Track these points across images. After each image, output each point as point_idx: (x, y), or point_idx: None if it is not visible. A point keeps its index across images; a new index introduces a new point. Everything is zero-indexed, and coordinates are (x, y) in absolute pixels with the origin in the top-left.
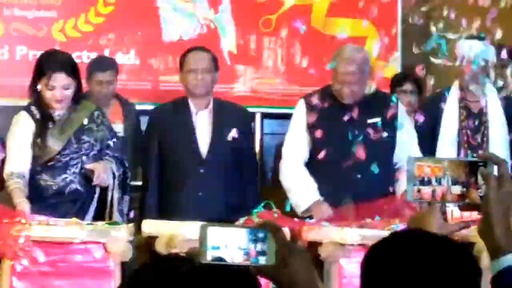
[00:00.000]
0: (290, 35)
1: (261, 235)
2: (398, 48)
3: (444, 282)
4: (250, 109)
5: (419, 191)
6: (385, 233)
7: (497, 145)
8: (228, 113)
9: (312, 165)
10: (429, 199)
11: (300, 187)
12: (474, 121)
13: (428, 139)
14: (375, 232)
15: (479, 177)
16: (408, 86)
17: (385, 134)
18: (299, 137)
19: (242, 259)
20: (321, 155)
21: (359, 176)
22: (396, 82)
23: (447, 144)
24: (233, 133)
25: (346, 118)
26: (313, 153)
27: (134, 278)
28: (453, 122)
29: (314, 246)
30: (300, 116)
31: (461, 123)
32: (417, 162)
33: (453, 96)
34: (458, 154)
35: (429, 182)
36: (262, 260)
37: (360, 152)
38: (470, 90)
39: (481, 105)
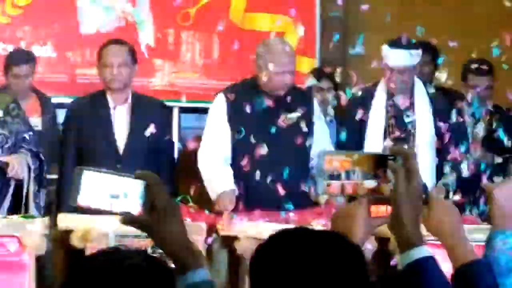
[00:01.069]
0: (209, 29)
1: (138, 186)
2: (316, 44)
3: (329, 277)
4: (168, 103)
5: (328, 185)
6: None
7: (424, 140)
8: (146, 108)
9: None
10: (337, 194)
11: (213, 178)
12: (401, 117)
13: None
14: (291, 227)
15: (388, 171)
16: (324, 83)
17: (305, 128)
18: (219, 130)
19: (113, 206)
20: (242, 148)
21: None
22: (314, 76)
23: (375, 140)
24: (151, 128)
25: (267, 112)
26: (235, 146)
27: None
28: (380, 118)
29: (230, 241)
30: (219, 109)
31: (389, 119)
32: (327, 156)
33: (380, 92)
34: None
35: (338, 177)
36: (134, 211)
37: (282, 145)
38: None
39: (409, 101)
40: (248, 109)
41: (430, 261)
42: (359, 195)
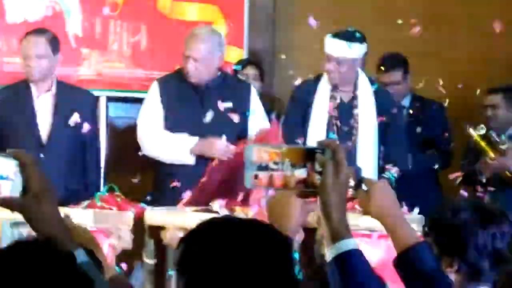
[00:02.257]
0: (136, 19)
1: (12, 166)
2: (244, 33)
3: (253, 268)
4: (96, 93)
5: (256, 176)
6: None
7: (367, 134)
8: (71, 97)
9: None
10: (266, 185)
11: (175, 140)
12: (344, 111)
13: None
14: (218, 217)
15: (317, 164)
16: (249, 71)
17: (236, 118)
18: (155, 114)
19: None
20: None
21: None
22: (240, 65)
23: (318, 132)
24: (76, 118)
25: (199, 101)
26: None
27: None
28: (322, 111)
29: (156, 230)
30: (154, 97)
31: (332, 112)
32: (255, 148)
33: (323, 85)
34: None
35: (266, 168)
36: (13, 192)
37: (212, 136)
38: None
39: (352, 95)
40: (177, 99)
41: (356, 253)
42: (289, 187)
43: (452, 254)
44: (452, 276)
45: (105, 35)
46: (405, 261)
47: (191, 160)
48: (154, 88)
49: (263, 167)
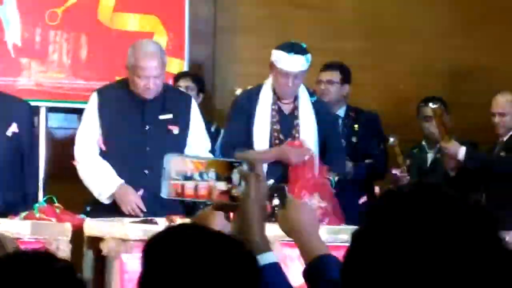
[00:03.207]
0: (77, 29)
1: None
2: (185, 44)
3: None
4: (35, 103)
5: (183, 186)
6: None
7: (308, 143)
8: (8, 107)
9: (104, 158)
10: (191, 195)
11: (100, 175)
12: (286, 122)
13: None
14: (157, 228)
15: (234, 176)
16: (185, 83)
17: (176, 130)
18: (92, 129)
19: None
20: (112, 148)
21: (146, 171)
22: (176, 78)
23: (261, 143)
24: (14, 128)
25: (140, 113)
26: (105, 146)
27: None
28: (265, 123)
29: (96, 241)
30: (92, 109)
31: (273, 125)
32: (178, 158)
33: (265, 97)
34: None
35: (191, 177)
36: None
37: (151, 148)
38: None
39: (292, 107)
40: (117, 110)
41: (275, 267)
42: (212, 198)
43: None
44: None
45: (45, 45)
46: (313, 271)
47: (106, 201)
48: (93, 99)
49: (188, 177)
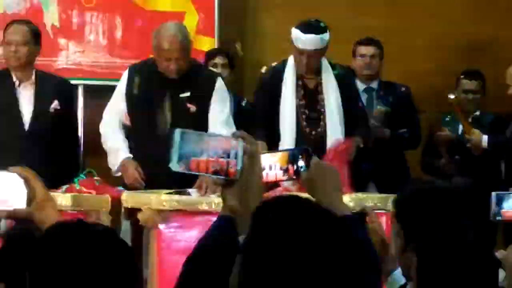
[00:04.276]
0: (111, 10)
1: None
2: (215, 23)
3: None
4: (73, 81)
5: (188, 161)
6: (201, 199)
7: (333, 119)
8: (50, 84)
9: (129, 133)
10: (195, 170)
11: (112, 149)
12: (310, 97)
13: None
14: (192, 199)
15: (231, 153)
16: (219, 60)
17: (193, 109)
18: (118, 104)
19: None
20: (135, 123)
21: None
22: (209, 55)
23: (288, 119)
24: (55, 104)
25: (164, 90)
26: (130, 121)
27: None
28: (290, 98)
29: (134, 212)
30: (121, 85)
31: (299, 99)
32: (190, 135)
33: (289, 73)
34: (298, 128)
35: (201, 153)
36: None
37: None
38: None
39: (316, 81)
40: (143, 86)
41: None
42: (207, 172)
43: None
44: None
45: (81, 26)
46: None
47: (117, 174)
48: (124, 76)
49: (198, 153)
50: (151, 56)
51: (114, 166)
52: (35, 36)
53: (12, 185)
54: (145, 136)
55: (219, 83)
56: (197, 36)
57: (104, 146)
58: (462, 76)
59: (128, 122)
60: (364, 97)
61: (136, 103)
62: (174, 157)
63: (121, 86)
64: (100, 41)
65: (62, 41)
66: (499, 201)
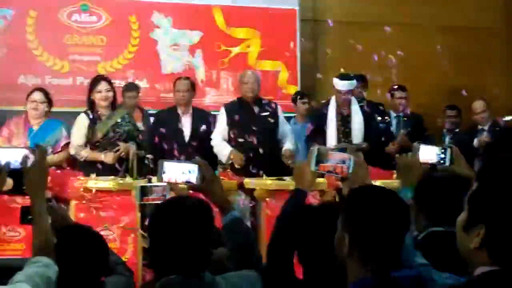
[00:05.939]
0: (237, 70)
1: (195, 167)
2: (297, 75)
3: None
4: (213, 112)
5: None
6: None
7: (357, 137)
8: (201, 116)
9: (229, 143)
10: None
11: (222, 149)
12: (344, 121)
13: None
14: (288, 182)
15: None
16: (304, 99)
17: (272, 122)
18: (221, 128)
19: (184, 179)
20: (235, 135)
21: (261, 151)
22: (296, 96)
23: (332, 136)
24: (203, 127)
25: (250, 114)
26: (230, 135)
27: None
28: (333, 121)
29: (251, 190)
30: (221, 116)
31: (338, 122)
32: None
33: (332, 105)
34: (337, 139)
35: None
36: (194, 181)
37: (258, 131)
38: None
39: (348, 111)
40: (238, 112)
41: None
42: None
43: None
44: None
45: (218, 80)
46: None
47: (226, 161)
48: (222, 110)
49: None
50: (239, 96)
51: (225, 157)
52: (192, 86)
53: (191, 169)
54: (242, 143)
55: (279, 110)
56: (287, 85)
57: (214, 149)
58: (445, 108)
59: (227, 137)
60: (394, 122)
61: (233, 123)
62: (312, 163)
63: (221, 118)
64: (229, 88)
65: (207, 89)
66: None
